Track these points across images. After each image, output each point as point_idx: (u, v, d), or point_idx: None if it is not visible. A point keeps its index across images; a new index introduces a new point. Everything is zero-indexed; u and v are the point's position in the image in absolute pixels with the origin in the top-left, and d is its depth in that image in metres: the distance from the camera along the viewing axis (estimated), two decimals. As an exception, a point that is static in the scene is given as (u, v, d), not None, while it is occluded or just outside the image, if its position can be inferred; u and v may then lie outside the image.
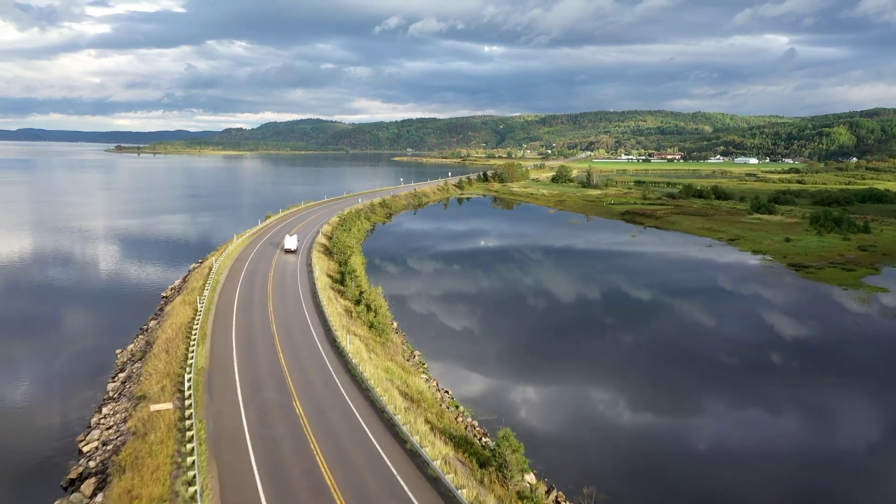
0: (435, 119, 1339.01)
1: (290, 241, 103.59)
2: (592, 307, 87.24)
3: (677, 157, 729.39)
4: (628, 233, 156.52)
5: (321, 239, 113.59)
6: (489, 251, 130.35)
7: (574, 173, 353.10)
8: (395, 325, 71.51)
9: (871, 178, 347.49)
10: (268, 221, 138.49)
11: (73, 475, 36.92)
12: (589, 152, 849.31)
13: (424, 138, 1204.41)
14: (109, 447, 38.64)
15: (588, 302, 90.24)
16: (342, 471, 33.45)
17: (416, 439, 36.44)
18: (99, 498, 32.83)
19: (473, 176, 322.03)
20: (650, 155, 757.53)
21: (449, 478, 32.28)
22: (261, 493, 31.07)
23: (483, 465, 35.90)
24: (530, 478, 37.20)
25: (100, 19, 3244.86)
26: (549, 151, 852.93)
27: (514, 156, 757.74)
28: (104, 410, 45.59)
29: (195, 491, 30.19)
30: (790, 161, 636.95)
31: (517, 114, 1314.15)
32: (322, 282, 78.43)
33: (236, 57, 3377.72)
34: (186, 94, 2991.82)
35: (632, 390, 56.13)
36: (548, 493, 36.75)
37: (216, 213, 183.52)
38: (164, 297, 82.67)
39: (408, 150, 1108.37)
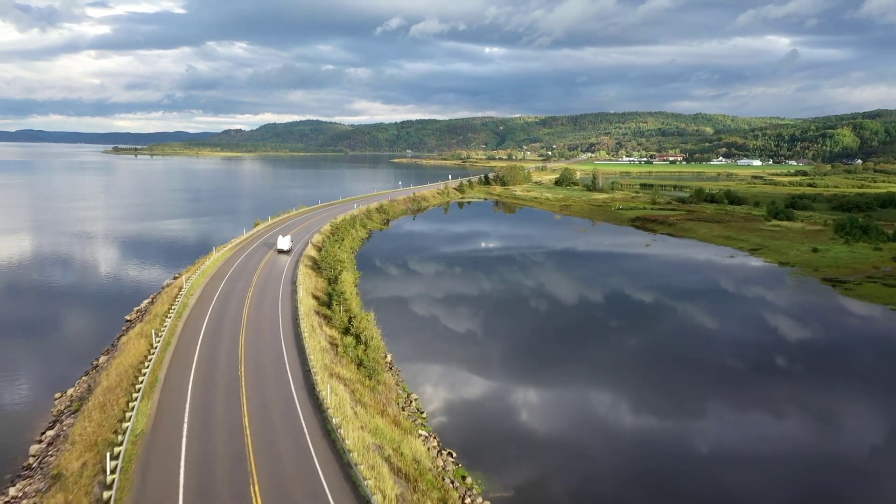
0: (434, 120, 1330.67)
1: (284, 242, 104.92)
2: (624, 334, 77.23)
3: (679, 158, 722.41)
4: (641, 241, 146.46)
5: (310, 251, 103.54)
6: (492, 260, 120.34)
7: (577, 175, 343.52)
8: (388, 357, 61.55)
9: (883, 181, 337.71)
10: (255, 230, 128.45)
11: None
12: (590, 154, 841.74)
13: (424, 140, 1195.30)
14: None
15: (618, 328, 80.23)
16: None
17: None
18: None
19: (474, 178, 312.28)
20: (651, 157, 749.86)
21: None
22: None
23: None
24: None
25: (100, 20, 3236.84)
26: (550, 153, 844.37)
27: (514, 157, 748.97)
28: (11, 492, 35.49)
29: None
30: (794, 163, 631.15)
31: (517, 115, 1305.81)
32: (306, 305, 68.41)
33: (236, 58, 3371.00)
34: (186, 95, 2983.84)
35: (707, 430, 46.22)
36: None
37: (203, 220, 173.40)
38: (127, 320, 72.72)
39: (407, 151, 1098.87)
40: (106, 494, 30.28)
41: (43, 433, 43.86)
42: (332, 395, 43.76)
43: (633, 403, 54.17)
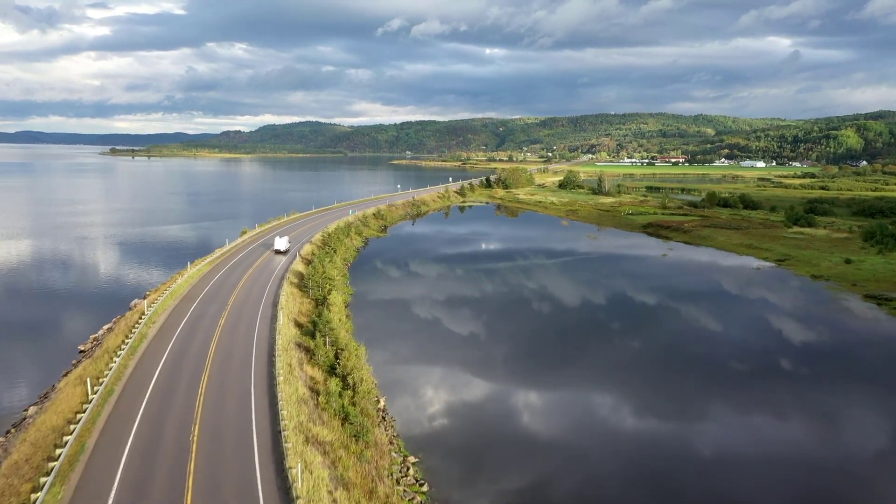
0: (434, 121, 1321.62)
1: (281, 243, 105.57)
2: (665, 367, 67.17)
3: (681, 160, 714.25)
4: (657, 250, 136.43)
5: (298, 265, 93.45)
6: (499, 274, 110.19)
7: (581, 177, 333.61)
8: (381, 402, 51.53)
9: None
10: (241, 239, 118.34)
11: None
12: (590, 155, 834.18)
13: (424, 141, 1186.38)
14: None
15: (654, 358, 70.18)
16: None
17: None
18: None
19: (476, 181, 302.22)
20: (653, 158, 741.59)
21: None
22: None
23: None
24: None
25: (99, 21, 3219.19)
26: (550, 154, 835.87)
27: (514, 159, 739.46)
28: None
29: None
30: (798, 165, 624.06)
31: (517, 116, 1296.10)
32: (287, 336, 58.34)
33: (236, 59, 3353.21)
34: (186, 96, 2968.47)
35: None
36: None
37: (187, 227, 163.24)
38: (80, 351, 62.68)
39: (406, 153, 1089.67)
40: None
41: (-68, 523, 33.81)
42: (306, 472, 33.75)
43: (717, 439, 44.23)
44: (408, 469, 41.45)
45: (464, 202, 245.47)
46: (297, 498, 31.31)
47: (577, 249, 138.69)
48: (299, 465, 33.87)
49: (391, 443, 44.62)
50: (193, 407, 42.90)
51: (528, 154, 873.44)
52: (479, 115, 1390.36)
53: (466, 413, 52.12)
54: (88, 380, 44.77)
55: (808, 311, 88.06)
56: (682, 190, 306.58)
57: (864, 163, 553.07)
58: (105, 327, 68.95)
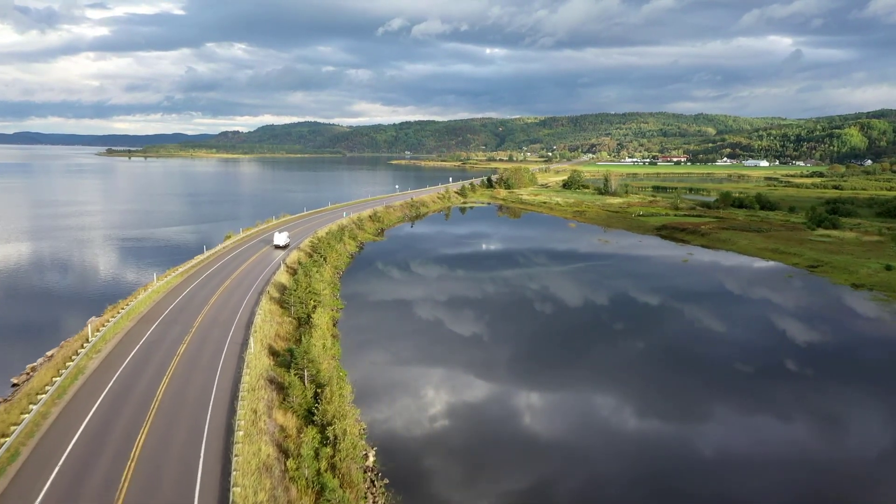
0: (433, 121, 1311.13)
1: (280, 238, 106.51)
2: (711, 400, 56.71)
3: (682, 159, 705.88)
4: (675, 255, 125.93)
5: (281, 276, 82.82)
6: (506, 282, 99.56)
7: (585, 177, 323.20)
8: (369, 458, 41.02)
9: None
10: (223, 245, 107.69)
11: None
12: (591, 155, 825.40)
13: (423, 141, 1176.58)
14: None
15: (692, 382, 59.70)
16: None
17: None
18: None
19: (477, 181, 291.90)
20: (654, 157, 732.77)
21: None
22: None
23: None
24: None
25: (98, 22, 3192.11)
26: (550, 154, 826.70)
27: (514, 158, 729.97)
28: None
29: None
30: (802, 164, 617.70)
31: (517, 116, 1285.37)
32: (257, 370, 47.79)
33: (236, 59, 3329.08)
34: (186, 97, 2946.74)
35: None
36: None
37: (171, 230, 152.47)
38: (13, 385, 52.06)
39: (406, 153, 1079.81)
40: None
41: None
42: None
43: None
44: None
45: (465, 203, 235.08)
46: None
47: (590, 254, 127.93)
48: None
49: (381, 523, 34.05)
50: (117, 484, 32.29)
51: (528, 154, 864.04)
52: (479, 116, 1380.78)
53: (474, 474, 41.66)
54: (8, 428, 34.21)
55: (862, 329, 77.54)
56: (690, 189, 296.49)
57: (870, 162, 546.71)
58: (48, 353, 58.29)
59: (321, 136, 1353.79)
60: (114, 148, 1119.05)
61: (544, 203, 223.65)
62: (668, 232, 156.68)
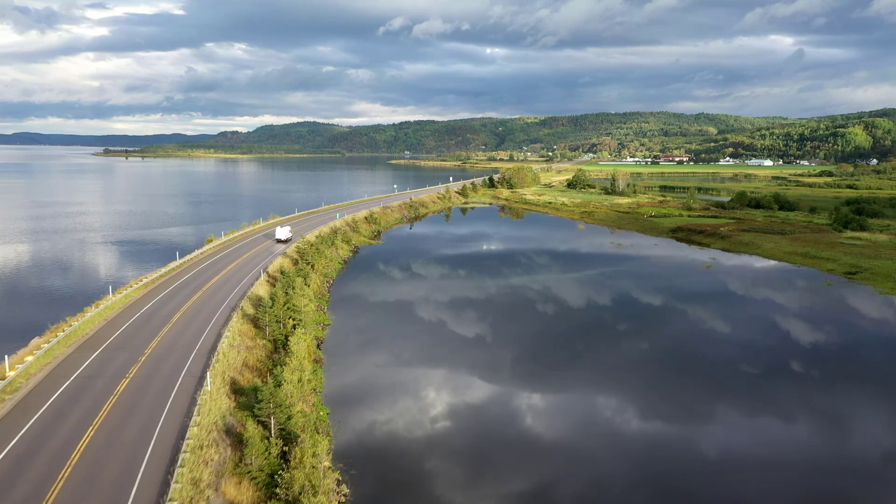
0: (433, 121, 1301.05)
1: (282, 232, 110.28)
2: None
3: (685, 159, 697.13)
4: (695, 258, 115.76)
5: (260, 288, 72.47)
6: (515, 292, 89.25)
7: (591, 176, 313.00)
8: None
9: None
10: (202, 250, 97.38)
11: None
12: (591, 154, 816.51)
13: (422, 141, 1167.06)
14: None
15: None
16: None
17: None
18: None
19: (478, 181, 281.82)
20: (656, 157, 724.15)
21: None
22: None
23: None
24: None
25: (98, 22, 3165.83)
26: (551, 154, 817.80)
27: (515, 158, 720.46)
28: None
29: None
30: (806, 163, 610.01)
31: (517, 116, 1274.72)
32: (211, 418, 37.53)
33: (236, 60, 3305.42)
34: (186, 97, 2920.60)
35: None
36: None
37: (150, 233, 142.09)
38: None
39: (405, 153, 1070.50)
40: None
41: None
42: None
43: None
44: None
45: (466, 203, 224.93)
46: None
47: (605, 259, 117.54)
48: None
49: None
50: None
51: (529, 154, 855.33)
52: (479, 115, 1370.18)
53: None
54: None
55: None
56: (699, 189, 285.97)
57: (876, 161, 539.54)
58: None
59: (320, 136, 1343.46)
60: (111, 148, 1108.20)
61: (549, 203, 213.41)
62: (685, 234, 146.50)
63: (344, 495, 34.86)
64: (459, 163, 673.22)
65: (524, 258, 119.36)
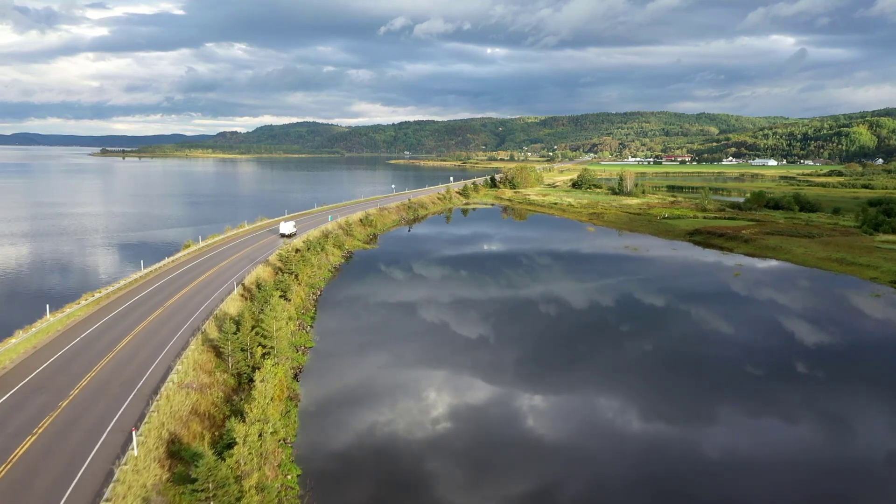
0: (433, 121, 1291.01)
1: (286, 227, 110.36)
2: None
3: (687, 158, 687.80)
4: (720, 264, 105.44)
5: (231, 305, 61.89)
6: (524, 307, 78.88)
7: (597, 176, 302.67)
8: None
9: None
10: (175, 257, 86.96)
11: None
12: (592, 154, 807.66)
13: (422, 141, 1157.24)
14: None
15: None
16: None
17: None
18: None
19: (480, 181, 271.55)
20: (657, 157, 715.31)
21: None
22: None
23: None
24: None
25: (98, 22, 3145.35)
26: (551, 154, 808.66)
27: (516, 158, 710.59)
28: None
29: None
30: (810, 163, 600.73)
31: (517, 116, 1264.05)
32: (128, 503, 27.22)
33: (236, 60, 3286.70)
34: (186, 97, 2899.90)
35: None
36: None
37: (127, 237, 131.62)
38: None
39: (405, 152, 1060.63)
40: None
41: None
42: None
43: None
44: None
45: (467, 204, 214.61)
46: None
47: (621, 265, 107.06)
48: None
49: None
50: None
51: (529, 154, 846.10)
52: (479, 115, 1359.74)
53: None
54: None
55: None
56: (708, 188, 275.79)
57: (881, 160, 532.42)
58: None
59: (320, 136, 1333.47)
60: (108, 149, 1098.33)
61: (555, 204, 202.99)
62: (703, 237, 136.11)
63: None
64: (459, 163, 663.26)
65: (534, 264, 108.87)
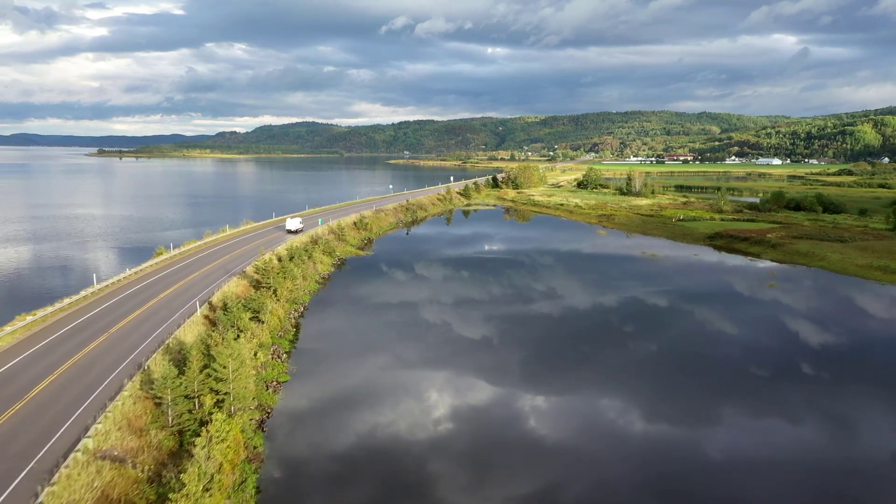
0: (432, 121, 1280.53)
1: (293, 223, 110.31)
2: None
3: (689, 158, 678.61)
4: (750, 272, 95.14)
5: (188, 332, 51.52)
6: (532, 320, 68.62)
7: (603, 175, 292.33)
8: None
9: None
10: (140, 267, 76.66)
11: None
12: (593, 154, 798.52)
13: (422, 141, 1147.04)
14: None
15: None
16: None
17: None
18: None
19: (481, 181, 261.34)
20: (659, 156, 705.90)
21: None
22: None
23: None
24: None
25: (98, 22, 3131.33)
26: (552, 153, 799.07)
27: (517, 158, 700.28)
28: None
29: None
30: (815, 161, 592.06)
31: (517, 115, 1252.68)
32: None
33: (236, 60, 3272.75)
34: (185, 97, 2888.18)
35: None
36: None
37: (99, 244, 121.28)
38: None
39: (404, 152, 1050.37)
40: None
41: None
42: None
43: None
44: None
45: (468, 205, 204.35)
46: None
47: (642, 275, 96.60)
48: None
49: None
50: None
51: (530, 153, 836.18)
52: (479, 115, 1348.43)
53: None
54: None
55: None
56: (717, 189, 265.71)
57: (887, 159, 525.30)
58: None
59: (319, 136, 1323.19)
60: (105, 149, 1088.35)
61: (561, 205, 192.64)
62: (725, 241, 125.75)
63: None
64: (460, 162, 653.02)
65: (539, 269, 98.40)
